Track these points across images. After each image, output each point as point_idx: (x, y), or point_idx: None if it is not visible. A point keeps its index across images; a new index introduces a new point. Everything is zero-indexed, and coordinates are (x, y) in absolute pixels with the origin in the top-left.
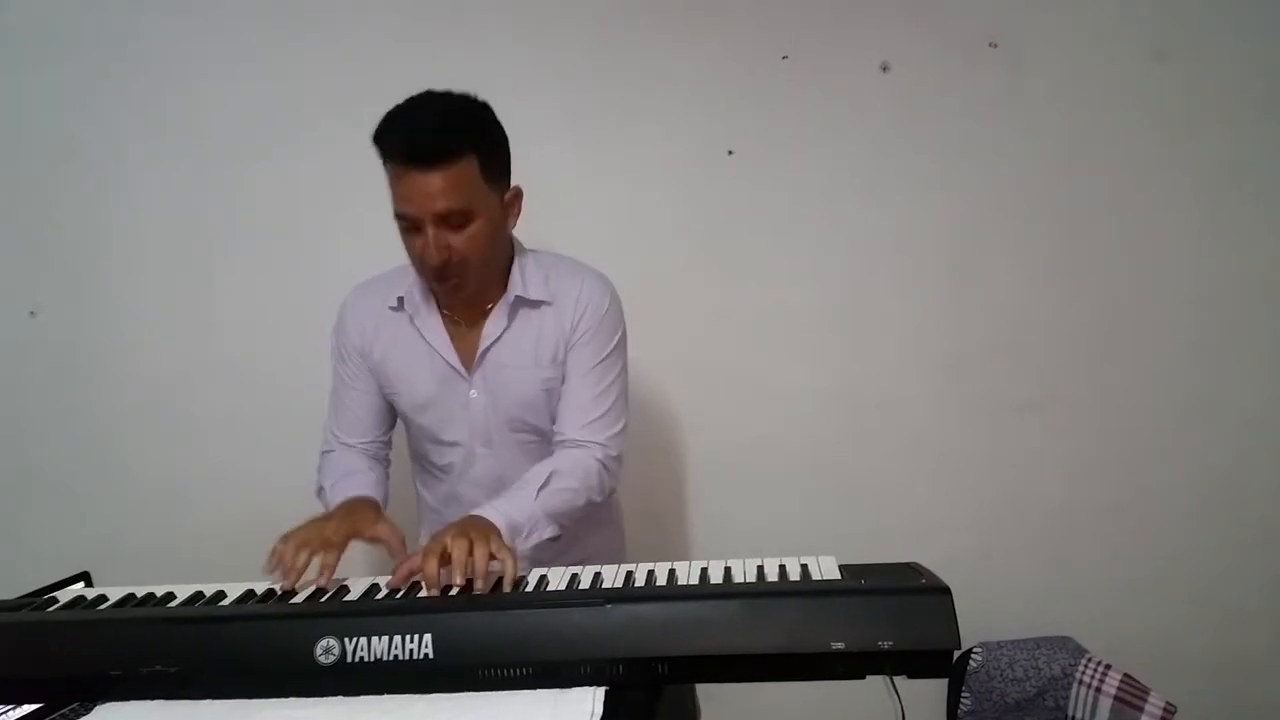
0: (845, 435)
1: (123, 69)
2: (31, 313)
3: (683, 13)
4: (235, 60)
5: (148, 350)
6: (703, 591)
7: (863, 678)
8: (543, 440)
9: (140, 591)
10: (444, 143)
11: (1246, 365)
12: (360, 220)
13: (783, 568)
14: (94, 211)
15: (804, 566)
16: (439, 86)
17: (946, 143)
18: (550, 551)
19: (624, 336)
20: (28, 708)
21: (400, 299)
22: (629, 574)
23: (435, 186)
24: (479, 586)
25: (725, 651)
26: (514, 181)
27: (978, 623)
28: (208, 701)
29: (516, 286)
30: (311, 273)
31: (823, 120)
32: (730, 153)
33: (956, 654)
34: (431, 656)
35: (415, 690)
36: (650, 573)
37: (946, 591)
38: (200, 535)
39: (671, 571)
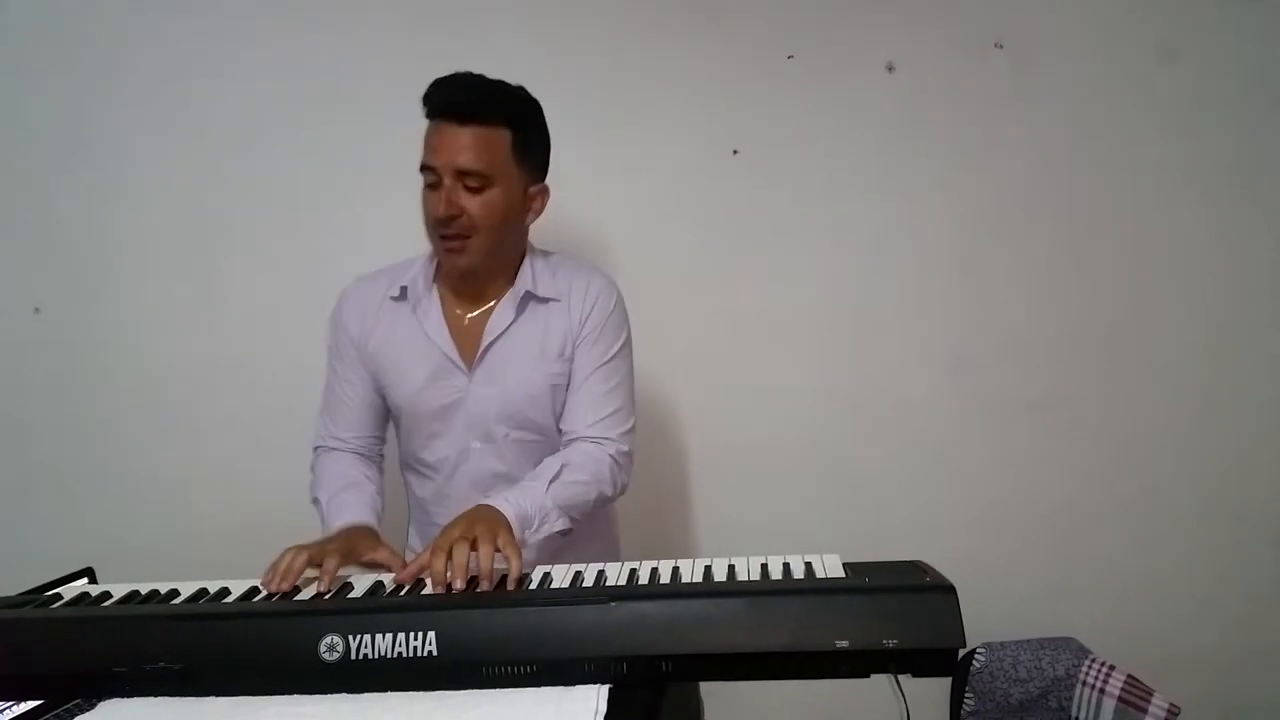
0: (849, 435)
1: (123, 68)
2: (35, 310)
3: (687, 13)
4: (238, 59)
5: (151, 348)
6: (707, 589)
7: (867, 676)
8: (544, 440)
9: (144, 588)
10: (483, 104)
11: (1250, 365)
12: (364, 219)
13: (787, 566)
14: (97, 209)
15: (808, 565)
16: None
17: (951, 143)
18: (540, 561)
19: (629, 336)
20: (31, 704)
21: (403, 288)
22: (633, 572)
23: (462, 140)
24: (484, 585)
25: (729, 650)
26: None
27: (981, 623)
28: (211, 698)
29: (526, 281)
30: (315, 272)
31: (828, 120)
32: (735, 152)
33: (960, 654)
34: (435, 654)
35: (419, 688)
36: (654, 571)
37: (951, 590)
38: (203, 533)
39: (675, 569)
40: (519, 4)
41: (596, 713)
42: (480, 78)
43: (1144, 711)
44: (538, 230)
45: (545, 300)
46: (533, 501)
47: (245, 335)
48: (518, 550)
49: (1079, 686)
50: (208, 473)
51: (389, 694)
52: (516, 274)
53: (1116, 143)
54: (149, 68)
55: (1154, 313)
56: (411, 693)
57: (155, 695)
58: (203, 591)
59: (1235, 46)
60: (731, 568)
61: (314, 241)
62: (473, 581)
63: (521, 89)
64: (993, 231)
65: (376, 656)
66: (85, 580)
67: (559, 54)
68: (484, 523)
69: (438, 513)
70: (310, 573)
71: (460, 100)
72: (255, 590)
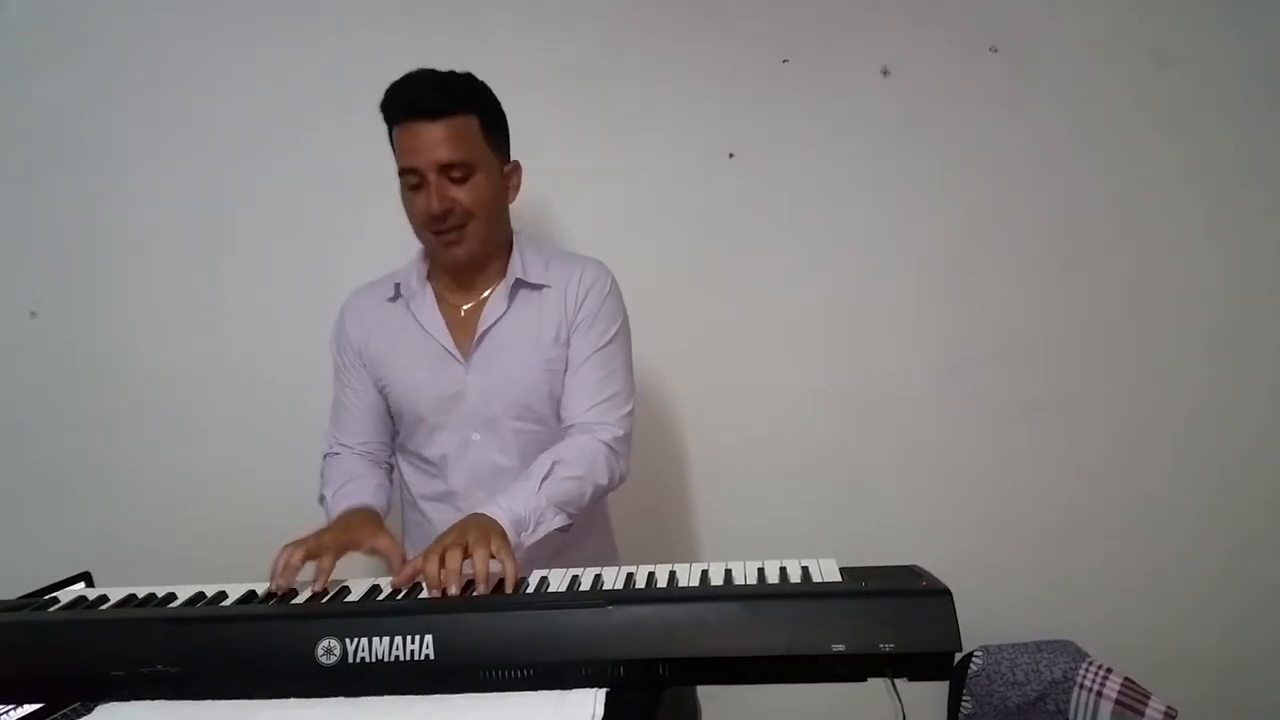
0: (847, 437)
1: (123, 68)
2: (32, 313)
3: (684, 15)
4: (236, 59)
5: (148, 350)
6: (703, 593)
7: (864, 680)
8: (544, 429)
9: (141, 592)
10: (447, 97)
11: (1249, 367)
12: (362, 220)
13: (783, 570)
14: (95, 212)
15: (804, 569)
16: None
17: (947, 146)
18: (538, 564)
19: (626, 321)
20: (29, 708)
21: (397, 286)
22: (629, 575)
23: (438, 135)
24: (480, 589)
25: (726, 653)
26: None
27: (979, 626)
28: (209, 702)
29: (516, 270)
30: (313, 273)
31: (824, 123)
32: (731, 156)
33: (958, 657)
34: (433, 657)
35: (416, 691)
36: (651, 574)
37: (947, 593)
38: (201, 536)
39: (672, 573)
40: (519, 4)
41: (593, 716)
42: (432, 72)
43: (1141, 714)
44: (535, 231)
45: (537, 287)
46: (525, 503)
47: (243, 337)
48: (512, 555)
49: (1076, 689)
50: (206, 474)
51: (386, 698)
52: (507, 263)
53: (1114, 144)
54: (148, 68)
55: (1153, 313)
56: (408, 696)
57: (152, 699)
58: (199, 595)
59: (1233, 47)
60: (728, 572)
61: (312, 242)
62: (469, 585)
63: (470, 75)
64: (991, 233)
65: (374, 660)
66: (82, 585)
67: (555, 57)
68: (477, 529)
69: (440, 514)
70: (305, 573)
71: (425, 97)
72: (252, 594)
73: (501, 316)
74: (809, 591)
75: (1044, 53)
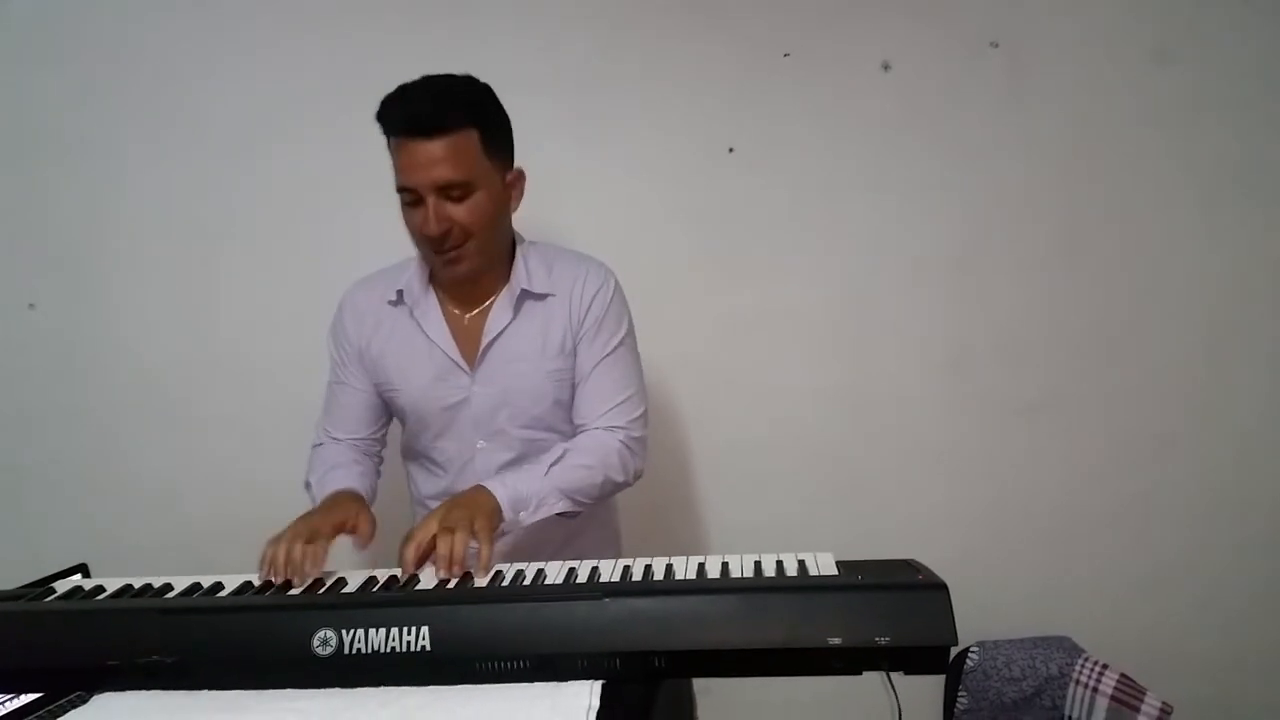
0: (845, 435)
1: (123, 67)
2: (30, 306)
3: (684, 11)
4: (235, 58)
5: (146, 344)
6: (700, 586)
7: (859, 673)
8: (552, 436)
9: (138, 582)
10: (445, 113)
11: (1247, 366)
12: (360, 218)
13: (780, 563)
14: (93, 206)
15: (801, 562)
16: None
17: (948, 142)
18: (545, 552)
19: (631, 324)
20: (26, 697)
21: (399, 292)
22: (626, 568)
23: (436, 154)
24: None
25: (722, 646)
26: None
27: (975, 622)
28: (205, 692)
29: (521, 279)
30: (311, 270)
31: (824, 119)
32: (731, 151)
33: (954, 652)
34: (429, 648)
35: (412, 682)
36: (647, 567)
37: (943, 587)
38: (197, 530)
39: (669, 566)
40: (519, 4)
41: (590, 708)
42: (431, 82)
43: (1137, 710)
44: (536, 231)
45: (542, 297)
46: (529, 484)
47: (241, 333)
48: (490, 538)
49: (1072, 685)
50: (203, 471)
51: (382, 688)
52: (510, 269)
53: (1113, 142)
54: (148, 67)
55: (1152, 313)
56: (405, 688)
57: (149, 689)
58: (196, 586)
59: (1230, 46)
60: (725, 565)
61: (311, 240)
62: (466, 576)
63: (469, 78)
64: (991, 231)
65: (370, 651)
66: (79, 576)
67: (554, 53)
68: (461, 508)
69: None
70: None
71: (422, 112)
72: (249, 585)
73: (506, 327)
74: (805, 585)
75: (1045, 49)
